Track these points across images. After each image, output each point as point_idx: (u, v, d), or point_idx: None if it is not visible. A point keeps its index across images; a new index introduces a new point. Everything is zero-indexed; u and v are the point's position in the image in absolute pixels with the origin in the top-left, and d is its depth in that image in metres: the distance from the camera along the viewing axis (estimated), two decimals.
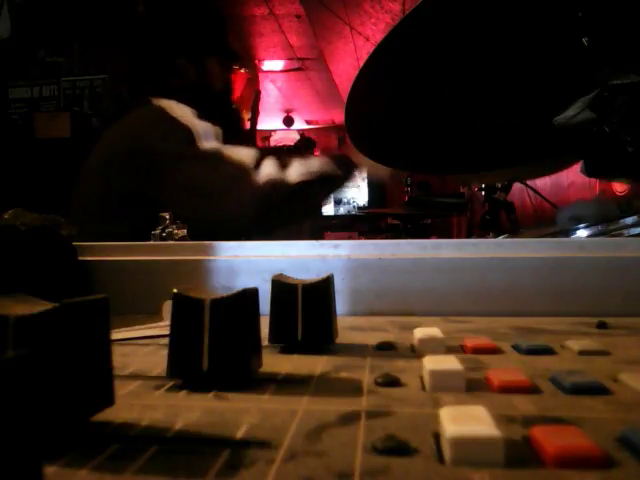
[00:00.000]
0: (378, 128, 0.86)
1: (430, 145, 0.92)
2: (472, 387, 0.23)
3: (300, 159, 1.10)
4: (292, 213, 1.13)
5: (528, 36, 0.69)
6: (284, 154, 1.13)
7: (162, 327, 0.39)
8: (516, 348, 0.30)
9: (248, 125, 3.06)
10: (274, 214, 1.07)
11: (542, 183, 2.09)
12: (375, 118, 0.84)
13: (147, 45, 1.20)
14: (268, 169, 1.05)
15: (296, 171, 1.07)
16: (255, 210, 1.03)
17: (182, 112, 1.09)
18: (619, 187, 1.51)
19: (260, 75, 4.18)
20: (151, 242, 0.68)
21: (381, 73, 0.74)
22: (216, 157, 1.04)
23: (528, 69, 0.75)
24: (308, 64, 4.02)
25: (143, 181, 1.06)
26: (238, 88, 3.70)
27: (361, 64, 0.70)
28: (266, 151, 1.13)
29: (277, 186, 1.04)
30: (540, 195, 1.58)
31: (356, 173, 1.14)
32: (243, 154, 1.06)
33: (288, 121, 5.49)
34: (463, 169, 1.10)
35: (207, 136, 1.07)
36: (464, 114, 0.85)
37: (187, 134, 1.05)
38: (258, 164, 1.05)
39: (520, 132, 0.88)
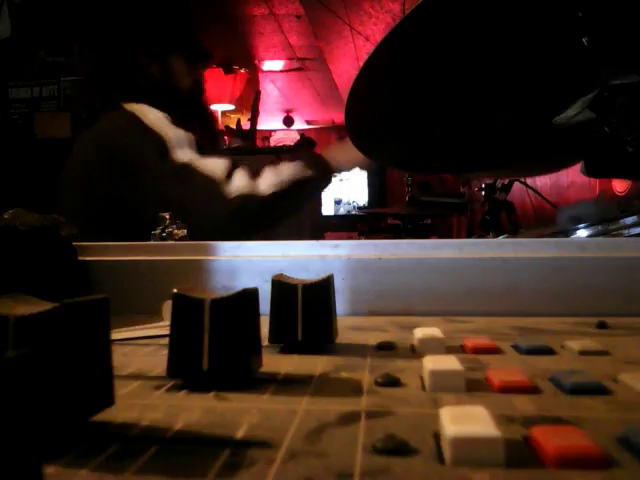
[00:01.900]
0: (378, 128, 0.86)
1: (430, 145, 0.92)
2: (472, 387, 0.23)
3: (271, 167, 1.09)
4: (266, 222, 1.12)
5: (528, 36, 0.69)
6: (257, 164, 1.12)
7: (162, 327, 0.39)
8: (516, 348, 0.30)
9: (248, 125, 3.06)
10: (247, 226, 1.06)
11: (542, 183, 2.09)
12: (375, 118, 0.84)
13: (112, 44, 1.16)
14: (239, 182, 1.04)
15: (267, 182, 1.06)
16: (226, 224, 1.02)
17: (154, 117, 1.07)
18: (619, 187, 1.51)
19: (260, 75, 4.18)
20: (151, 242, 0.68)
21: (381, 73, 0.74)
22: (188, 170, 1.02)
23: (528, 69, 0.75)
24: (308, 64, 4.01)
25: (120, 189, 1.05)
26: (238, 88, 3.70)
27: (361, 64, 0.70)
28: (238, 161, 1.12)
29: (248, 200, 1.03)
30: (540, 195, 1.58)
31: (331, 171, 1.13)
32: (215, 166, 1.04)
33: (288, 121, 5.48)
34: (463, 168, 1.10)
35: (180, 145, 1.04)
36: (464, 114, 0.85)
37: (159, 144, 1.03)
38: (230, 175, 1.04)
39: (520, 132, 0.88)
